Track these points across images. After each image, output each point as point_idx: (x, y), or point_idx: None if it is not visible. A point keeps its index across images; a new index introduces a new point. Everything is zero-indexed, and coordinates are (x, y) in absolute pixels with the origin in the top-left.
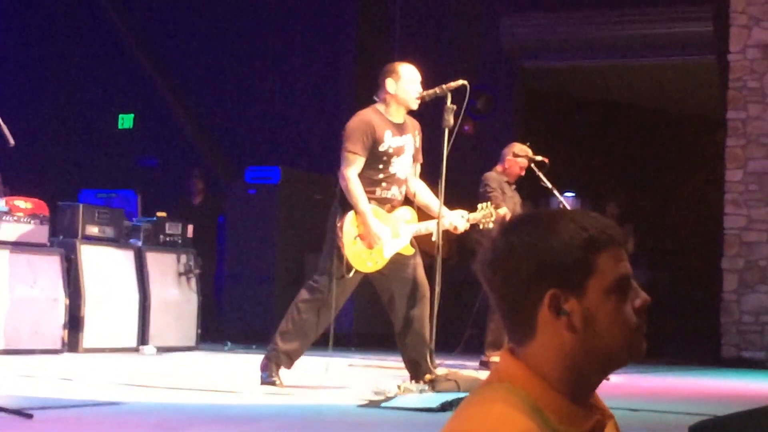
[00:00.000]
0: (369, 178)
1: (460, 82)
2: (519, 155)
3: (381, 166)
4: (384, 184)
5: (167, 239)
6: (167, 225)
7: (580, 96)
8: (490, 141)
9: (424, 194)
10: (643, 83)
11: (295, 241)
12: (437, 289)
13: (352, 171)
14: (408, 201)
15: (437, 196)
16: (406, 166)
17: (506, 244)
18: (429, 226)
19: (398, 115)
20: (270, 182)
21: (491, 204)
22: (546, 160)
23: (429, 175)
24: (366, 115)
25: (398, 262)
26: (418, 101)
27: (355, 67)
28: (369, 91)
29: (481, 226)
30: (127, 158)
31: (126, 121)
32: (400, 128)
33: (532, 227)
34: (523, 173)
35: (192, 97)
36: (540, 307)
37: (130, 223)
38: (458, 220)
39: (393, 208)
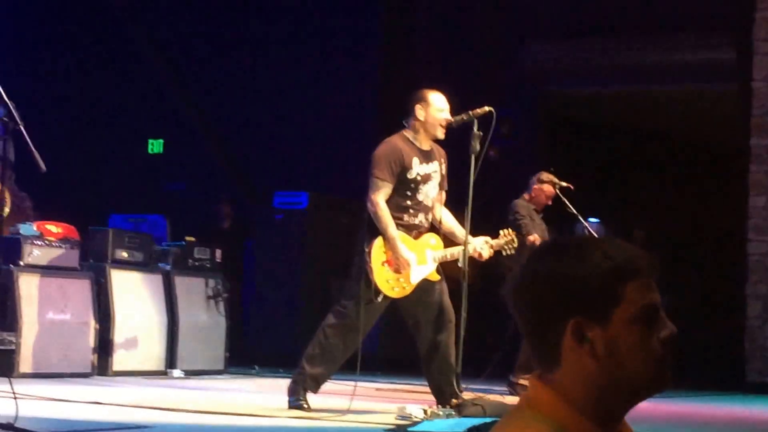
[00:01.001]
0: (397, 205)
1: (487, 108)
2: (544, 181)
3: (409, 193)
4: (411, 211)
5: (196, 263)
6: (195, 249)
7: (604, 122)
8: (513, 165)
9: (449, 221)
10: (666, 110)
11: (322, 265)
12: (463, 314)
13: (380, 197)
14: (433, 228)
15: (462, 222)
16: (432, 193)
17: (532, 271)
18: (454, 252)
19: (426, 143)
20: (297, 207)
21: (521, 231)
22: (571, 186)
23: (451, 201)
24: (394, 142)
25: (424, 287)
26: (444, 130)
27: (380, 92)
28: (393, 116)
29: (503, 253)
30: (156, 183)
31: (156, 146)
32: (427, 155)
33: (558, 255)
34: (549, 202)
35: (220, 123)
36: (564, 335)
37: (159, 247)
38: (482, 246)
39: (419, 234)
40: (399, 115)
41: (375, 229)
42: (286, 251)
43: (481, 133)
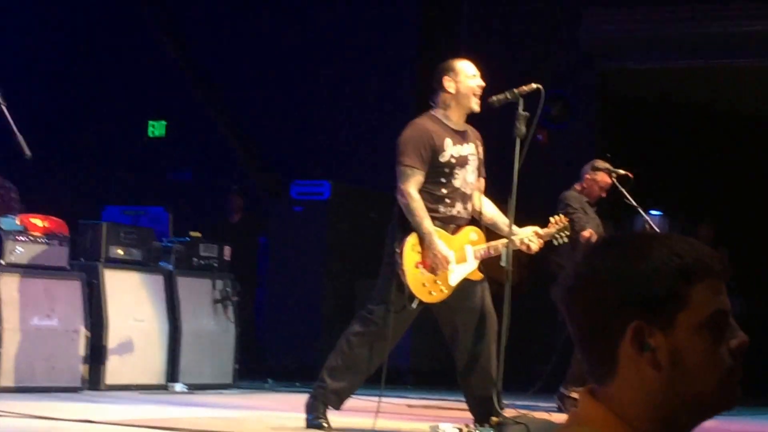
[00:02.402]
0: (431, 194)
1: (534, 86)
2: (599, 169)
3: (443, 180)
4: (448, 200)
5: (201, 262)
6: (202, 246)
7: (670, 102)
8: (566, 152)
9: (490, 211)
10: (742, 88)
11: (346, 265)
12: (505, 321)
13: (411, 187)
14: (473, 220)
15: (506, 214)
16: (470, 179)
17: (589, 268)
18: (498, 246)
19: (459, 121)
20: (318, 198)
21: (574, 226)
22: (630, 175)
23: (496, 191)
24: (422, 123)
25: (464, 289)
26: (479, 101)
27: (417, 69)
28: (430, 97)
29: (555, 242)
30: (157, 171)
31: (157, 128)
32: (461, 136)
33: (619, 251)
34: (604, 194)
35: (231, 102)
36: (622, 341)
37: (160, 244)
38: (531, 237)
39: (458, 228)
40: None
41: (407, 225)
42: (305, 249)
43: (528, 114)
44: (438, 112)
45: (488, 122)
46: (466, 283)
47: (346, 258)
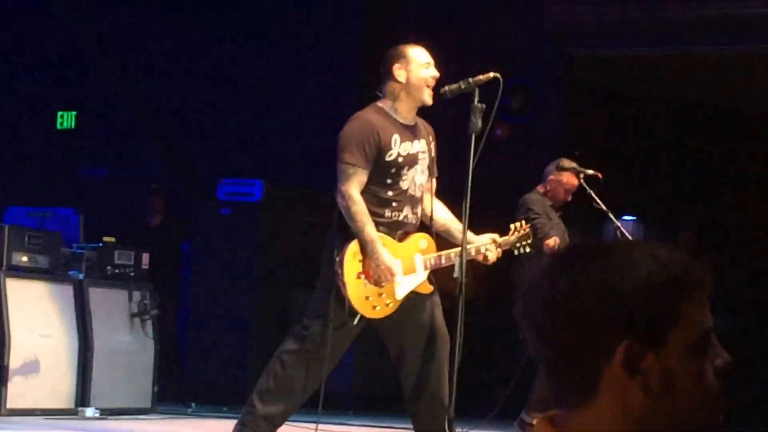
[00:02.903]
0: (375, 197)
1: (491, 74)
2: (565, 168)
3: (389, 181)
4: (394, 204)
5: (116, 271)
6: (117, 253)
7: (646, 94)
8: (528, 149)
9: (443, 216)
10: (726, 77)
11: (280, 274)
12: (459, 339)
13: (353, 188)
14: (423, 226)
15: (461, 219)
16: (420, 180)
17: (570, 281)
18: (451, 256)
19: (408, 114)
20: (249, 199)
21: (536, 233)
22: (599, 175)
23: (450, 192)
24: (366, 116)
25: (412, 304)
26: (432, 93)
27: (361, 56)
28: (376, 85)
29: (515, 252)
30: (67, 167)
31: (66, 120)
32: (410, 131)
33: (602, 262)
34: (570, 197)
35: (151, 91)
36: (607, 362)
37: (69, 250)
38: (488, 246)
39: (406, 234)
40: (371, 92)
41: (348, 230)
42: (233, 255)
43: (484, 106)
44: (385, 104)
45: (440, 116)
46: (414, 297)
47: (280, 266)
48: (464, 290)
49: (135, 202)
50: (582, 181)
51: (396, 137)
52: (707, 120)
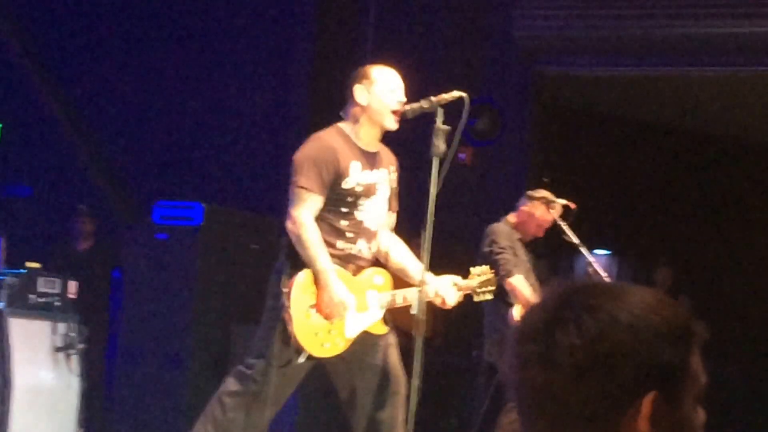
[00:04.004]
0: (329, 225)
1: (456, 94)
2: (535, 198)
3: (344, 210)
4: (349, 235)
5: (40, 300)
6: (41, 280)
7: (620, 116)
8: (494, 174)
9: (400, 254)
10: (706, 100)
11: (221, 306)
12: (416, 381)
13: (306, 214)
14: (377, 263)
15: (419, 256)
16: (378, 212)
17: (596, 324)
18: (407, 296)
19: (370, 140)
20: (188, 223)
21: (498, 269)
22: (571, 205)
23: (408, 222)
24: (326, 138)
25: (365, 344)
26: (397, 119)
27: (312, 71)
28: (329, 103)
29: (475, 298)
30: None
31: None
32: (371, 159)
33: (623, 304)
34: (541, 233)
35: (82, 104)
36: (624, 415)
37: None
38: (448, 289)
39: (359, 269)
40: (334, 102)
41: (298, 260)
42: (169, 285)
43: (449, 128)
44: (346, 127)
45: (400, 137)
46: (366, 337)
47: (220, 298)
48: (422, 329)
49: (61, 225)
50: (553, 213)
51: (356, 164)
52: (689, 146)
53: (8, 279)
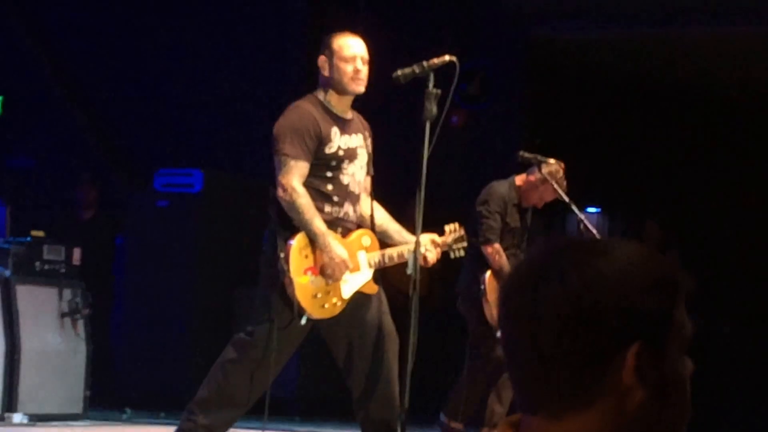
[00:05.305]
0: (316, 190)
1: (447, 58)
2: (546, 178)
3: (329, 174)
4: (336, 199)
5: (46, 268)
6: (46, 248)
7: (611, 78)
8: (485, 137)
9: (380, 217)
10: (697, 59)
11: (221, 271)
12: (412, 338)
13: (295, 180)
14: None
15: (413, 218)
16: (359, 176)
17: (580, 277)
18: (394, 255)
19: (343, 107)
20: (188, 190)
21: (479, 234)
22: (561, 164)
23: (399, 186)
24: (304, 107)
25: (358, 303)
26: (361, 83)
27: (306, 36)
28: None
29: (451, 255)
30: None
31: None
32: (348, 125)
33: (608, 259)
34: (540, 206)
35: (83, 74)
36: (611, 366)
37: None
38: (428, 246)
39: (348, 232)
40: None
41: (289, 225)
42: (171, 251)
43: (440, 92)
44: (320, 95)
45: (391, 102)
46: (359, 297)
47: (221, 262)
48: (418, 288)
49: (65, 194)
50: (554, 184)
51: (335, 129)
52: (681, 106)
53: (14, 247)
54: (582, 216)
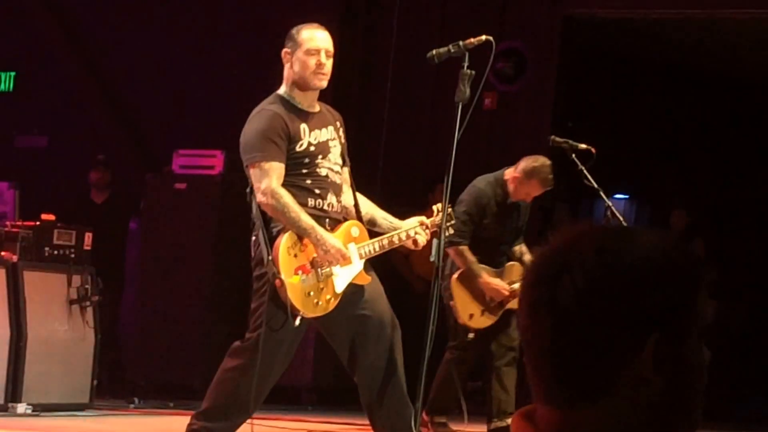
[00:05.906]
0: (296, 187)
1: (483, 37)
2: (529, 174)
3: (305, 170)
4: (317, 191)
5: (55, 253)
6: (56, 232)
7: (646, 60)
8: (516, 119)
9: (365, 206)
10: (733, 44)
11: (241, 258)
12: (431, 327)
13: (274, 183)
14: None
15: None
16: (336, 167)
17: (602, 265)
18: (385, 243)
19: (309, 101)
20: (208, 172)
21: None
22: (592, 150)
23: (426, 170)
24: (269, 109)
25: (352, 297)
26: (323, 79)
27: (337, 23)
28: (353, 53)
29: (445, 234)
30: (1, 135)
31: (4, 81)
32: (316, 119)
33: (631, 246)
34: (529, 200)
35: (98, 53)
36: (632, 355)
37: (3, 228)
38: (417, 229)
39: (335, 224)
40: (352, 55)
41: (273, 228)
42: (189, 236)
43: (474, 73)
44: (283, 91)
45: (420, 82)
46: (353, 289)
47: (240, 249)
48: (441, 275)
49: (78, 176)
50: (573, 156)
51: (304, 126)
52: (715, 91)
53: (22, 231)
54: (609, 203)
